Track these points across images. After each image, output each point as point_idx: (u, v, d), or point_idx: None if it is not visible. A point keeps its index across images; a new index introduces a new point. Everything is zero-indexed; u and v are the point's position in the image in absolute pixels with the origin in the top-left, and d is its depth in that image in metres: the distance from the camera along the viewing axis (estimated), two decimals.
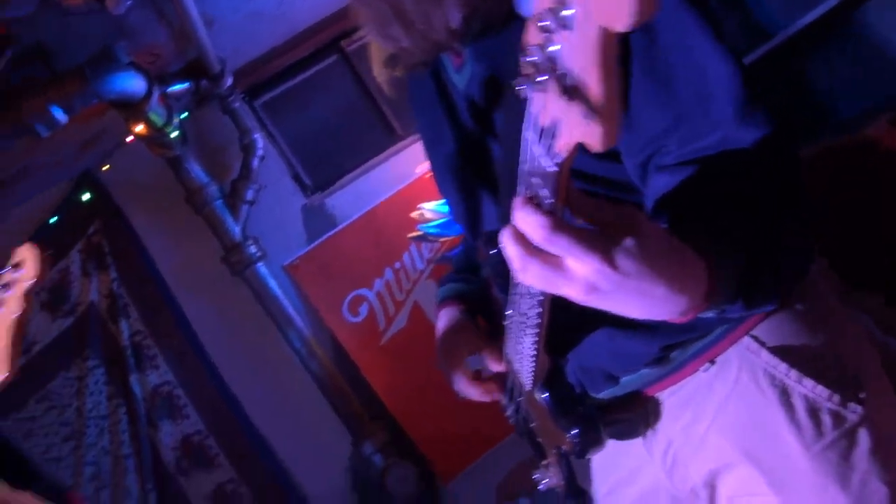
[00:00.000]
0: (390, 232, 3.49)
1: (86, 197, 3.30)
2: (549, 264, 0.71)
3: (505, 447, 3.37)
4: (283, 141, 3.50)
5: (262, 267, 3.41)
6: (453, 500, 3.52)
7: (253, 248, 3.38)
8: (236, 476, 3.39)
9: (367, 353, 3.49)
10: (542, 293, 0.91)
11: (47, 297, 3.30)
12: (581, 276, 0.71)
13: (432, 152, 1.34)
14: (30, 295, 0.95)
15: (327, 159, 3.52)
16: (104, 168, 3.30)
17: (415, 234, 3.41)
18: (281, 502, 3.40)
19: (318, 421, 3.46)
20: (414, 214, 3.39)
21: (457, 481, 3.50)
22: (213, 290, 3.42)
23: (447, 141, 1.22)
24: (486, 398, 1.36)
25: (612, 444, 1.15)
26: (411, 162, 3.48)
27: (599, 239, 0.71)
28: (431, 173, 1.39)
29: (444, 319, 1.38)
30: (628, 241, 0.71)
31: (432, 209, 3.33)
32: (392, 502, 3.40)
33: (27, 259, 0.94)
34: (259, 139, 3.41)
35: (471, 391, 1.33)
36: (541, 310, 0.97)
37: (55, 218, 3.24)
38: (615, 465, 1.23)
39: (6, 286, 0.96)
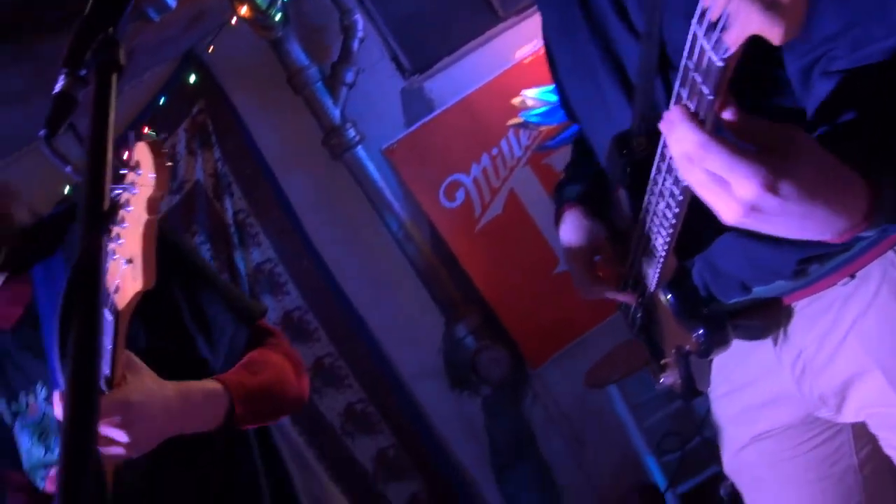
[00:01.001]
0: (489, 117, 3.46)
1: (191, 78, 3.34)
2: (714, 177, 0.71)
3: (594, 336, 3.41)
4: (383, 23, 3.44)
5: (360, 150, 3.43)
6: (541, 384, 3.61)
7: (352, 132, 3.41)
8: (334, 350, 3.53)
9: (462, 239, 3.53)
10: (683, 196, 0.90)
11: None
12: (741, 197, 0.70)
13: (559, 44, 1.31)
14: (155, 203, 0.92)
15: (427, 42, 3.46)
16: (209, 50, 3.33)
17: (515, 120, 3.36)
18: (376, 378, 3.54)
19: (412, 302, 3.55)
20: (515, 101, 3.34)
21: (545, 367, 3.57)
22: (312, 171, 3.48)
23: (580, 34, 1.18)
24: (610, 298, 1.37)
25: (736, 347, 1.15)
26: (512, 46, 3.40)
27: (759, 160, 0.69)
28: (551, 63, 1.36)
29: (568, 222, 1.37)
30: (790, 164, 0.70)
31: (535, 96, 3.27)
32: (482, 384, 3.51)
33: (142, 161, 0.92)
34: (359, 20, 3.37)
35: (596, 291, 1.34)
36: (678, 211, 0.95)
37: (163, 99, 3.30)
38: (737, 368, 1.23)
39: (132, 185, 0.94)
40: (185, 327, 1.41)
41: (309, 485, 1.56)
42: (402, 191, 3.51)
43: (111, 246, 1.04)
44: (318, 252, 3.48)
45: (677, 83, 0.73)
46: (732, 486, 1.46)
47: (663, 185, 0.92)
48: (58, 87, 0.76)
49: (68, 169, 0.71)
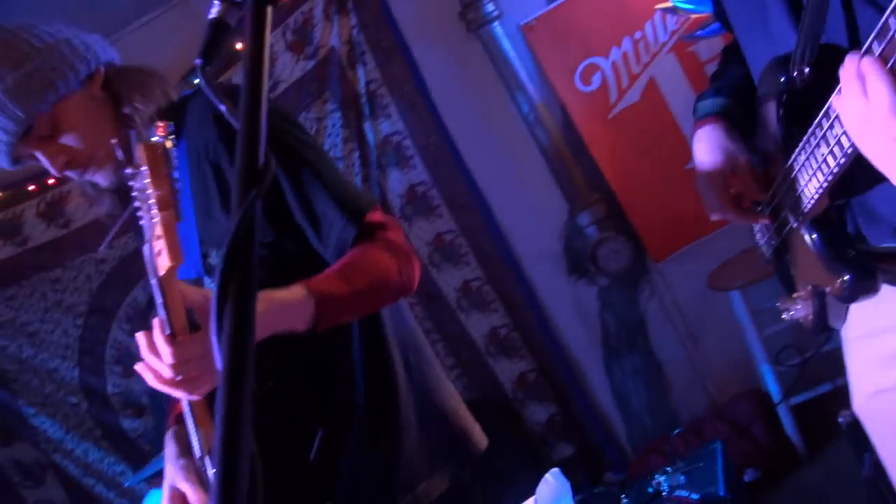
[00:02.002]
0: None
1: None
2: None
3: (721, 237, 3.29)
4: None
5: (497, 26, 3.33)
6: (662, 278, 3.55)
7: (490, 6, 3.30)
8: (455, 227, 3.57)
9: (594, 125, 3.43)
10: (853, 151, 0.82)
11: (292, 37, 3.43)
12: None
13: None
14: (163, 200, 1.06)
15: None
16: None
17: (664, 3, 3.16)
18: (493, 257, 3.57)
19: (537, 185, 3.51)
20: None
21: (668, 262, 3.51)
22: (447, 45, 3.41)
23: None
24: (744, 222, 1.31)
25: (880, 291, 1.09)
26: None
27: None
28: None
29: (705, 139, 1.30)
30: None
31: None
32: (600, 274, 3.48)
33: (143, 161, 1.04)
34: None
35: (729, 213, 1.27)
36: (843, 161, 0.88)
37: None
38: (878, 311, 1.17)
39: (143, 181, 1.06)
40: (297, 222, 1.44)
41: (419, 375, 1.58)
42: (537, 71, 3.41)
43: (149, 215, 1.13)
44: (447, 128, 3.46)
45: (873, 35, 0.65)
46: (853, 418, 1.42)
47: (829, 132, 0.84)
48: (212, 13, 0.76)
49: (223, 107, 0.71)
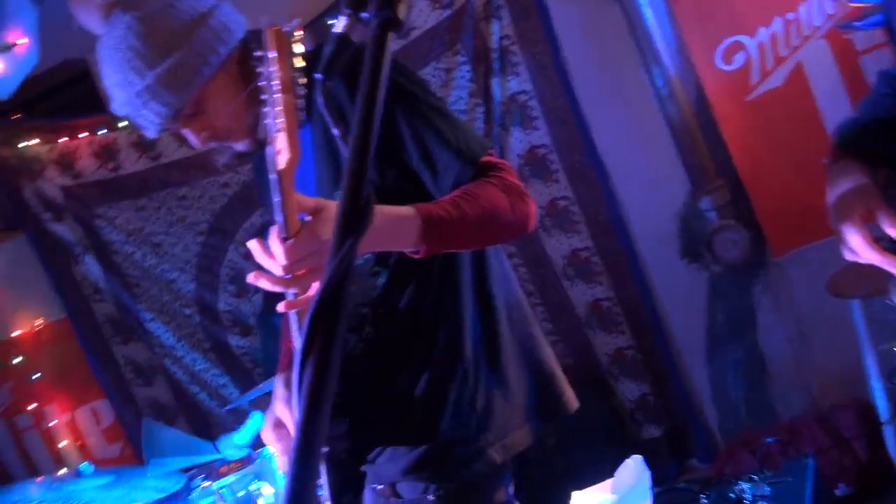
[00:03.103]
0: None
1: None
2: None
3: None
4: None
5: None
6: (780, 273, 3.42)
7: None
8: (571, 194, 3.52)
9: (730, 106, 3.28)
10: None
11: None
12: None
13: None
14: (287, 83, 1.03)
15: None
16: None
17: None
18: (608, 228, 3.51)
19: (661, 162, 3.41)
20: None
21: (788, 257, 3.36)
22: (586, 8, 3.32)
23: None
24: (884, 265, 1.26)
25: None
26: None
27: None
28: None
29: (844, 173, 1.23)
30: None
31: None
32: (714, 261, 3.38)
33: (272, 45, 1.02)
34: None
35: (868, 254, 1.23)
36: None
37: None
38: None
39: (270, 65, 1.04)
40: (414, 166, 1.47)
41: (520, 331, 1.61)
42: (677, 44, 3.27)
43: (273, 111, 1.14)
44: (574, 92, 3.38)
45: None
46: None
47: None
48: (338, 28, 0.76)
49: (336, 131, 0.72)
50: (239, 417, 3.52)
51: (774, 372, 3.52)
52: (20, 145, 3.89)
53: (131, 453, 4.20)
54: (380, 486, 1.55)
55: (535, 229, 3.52)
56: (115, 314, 4.08)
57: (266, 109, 1.19)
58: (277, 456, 1.66)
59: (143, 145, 3.81)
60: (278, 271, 1.22)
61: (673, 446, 3.63)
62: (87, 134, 3.81)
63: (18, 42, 2.95)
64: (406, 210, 1.32)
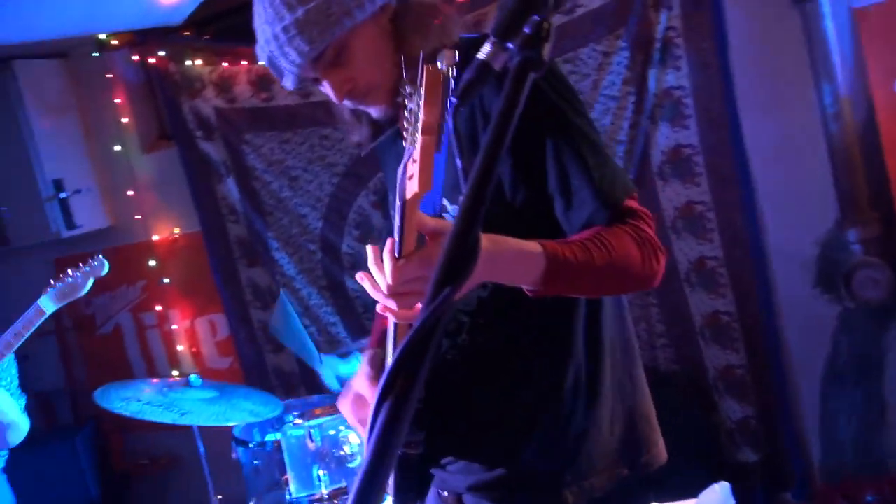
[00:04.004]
0: None
1: None
2: None
3: None
4: None
5: (825, 3, 3.00)
6: None
7: None
8: (709, 200, 3.39)
9: None
10: None
11: None
12: None
13: None
14: (428, 126, 1.00)
15: None
16: None
17: None
18: (742, 241, 3.37)
19: (812, 183, 3.22)
20: None
21: None
22: (763, 11, 3.15)
23: None
24: None
25: None
26: None
27: None
28: None
29: None
30: None
31: None
32: (850, 297, 3.19)
33: (426, 83, 0.99)
34: None
35: None
36: None
37: None
38: None
39: (418, 100, 1.00)
40: (550, 188, 1.40)
41: (623, 371, 1.56)
42: (855, 62, 3.06)
43: (412, 137, 1.11)
44: (734, 97, 3.23)
45: None
46: None
47: None
48: (482, 54, 0.75)
49: (459, 162, 0.71)
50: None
51: (893, 422, 3.32)
52: (186, 63, 4.09)
53: (238, 369, 4.43)
54: (445, 493, 1.55)
55: (666, 231, 3.45)
56: (246, 237, 4.27)
57: (406, 136, 1.16)
58: (352, 425, 1.67)
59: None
60: (384, 287, 1.22)
61: (767, 475, 3.50)
62: (247, 62, 3.96)
63: None
64: (532, 246, 1.27)
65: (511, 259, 1.26)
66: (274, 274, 4.23)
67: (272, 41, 1.43)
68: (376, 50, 1.46)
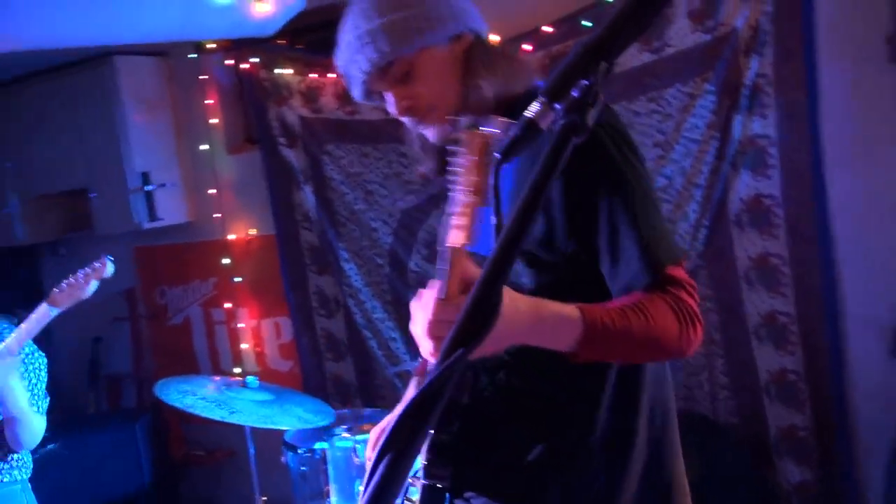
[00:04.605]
0: None
1: None
2: None
3: None
4: None
5: None
6: None
7: None
8: (785, 253, 3.29)
9: None
10: None
11: (698, 5, 3.25)
12: None
13: None
14: (473, 186, 1.00)
15: None
16: None
17: None
18: (817, 299, 3.25)
19: (894, 246, 3.10)
20: None
21: None
22: (859, 66, 3.04)
23: None
24: None
25: None
26: None
27: None
28: None
29: None
30: None
31: None
32: None
33: (469, 147, 0.98)
34: None
35: None
36: None
37: None
38: None
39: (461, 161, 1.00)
40: (597, 241, 1.41)
41: (658, 436, 1.53)
42: None
43: (457, 189, 1.12)
44: (822, 151, 3.13)
45: None
46: None
47: None
48: (530, 113, 0.75)
49: (493, 220, 0.71)
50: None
51: None
52: (276, 71, 4.20)
53: (298, 373, 4.50)
54: None
55: (738, 280, 3.36)
56: (317, 244, 4.35)
57: (452, 185, 1.18)
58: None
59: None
60: (422, 323, 1.23)
61: None
62: (334, 75, 4.03)
63: None
64: (570, 311, 1.28)
65: (550, 324, 1.28)
66: (341, 283, 4.29)
67: (347, 47, 1.51)
68: (443, 75, 1.51)
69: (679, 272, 1.39)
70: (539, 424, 1.50)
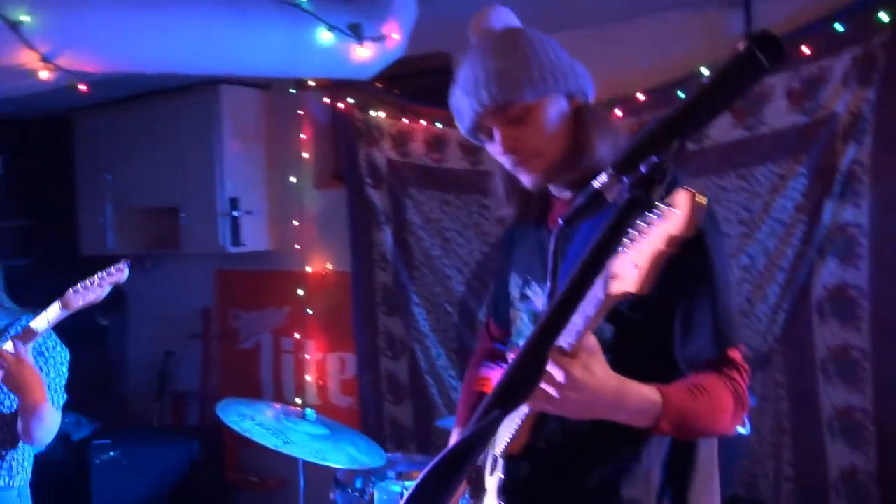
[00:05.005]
0: None
1: (882, 15, 2.94)
2: None
3: None
4: None
5: None
6: None
7: None
8: (867, 347, 3.16)
9: None
10: None
11: (797, 86, 3.20)
12: None
13: None
14: (673, 240, 0.99)
15: None
16: None
17: None
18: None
19: None
20: None
21: None
22: None
23: None
24: None
25: None
26: None
27: None
28: None
29: None
30: None
31: None
32: None
33: (681, 204, 0.95)
34: None
35: None
36: None
37: (840, 25, 3.01)
38: None
39: (665, 212, 0.97)
40: (674, 314, 1.49)
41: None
42: None
43: (632, 234, 1.08)
44: None
45: None
46: None
47: None
48: (598, 183, 0.75)
49: (548, 284, 0.71)
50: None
51: None
52: (370, 112, 4.31)
53: (356, 410, 4.52)
54: None
55: (815, 370, 3.24)
56: (390, 285, 4.39)
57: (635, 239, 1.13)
58: None
59: (469, 148, 4.02)
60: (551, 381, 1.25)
61: None
62: (425, 122, 4.12)
63: (392, 35, 3.25)
64: (654, 394, 1.36)
65: (634, 404, 1.35)
66: (409, 327, 4.31)
67: (467, 81, 1.57)
68: (555, 125, 1.57)
69: (737, 354, 1.48)
70: (597, 470, 1.56)
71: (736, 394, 1.43)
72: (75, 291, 2.36)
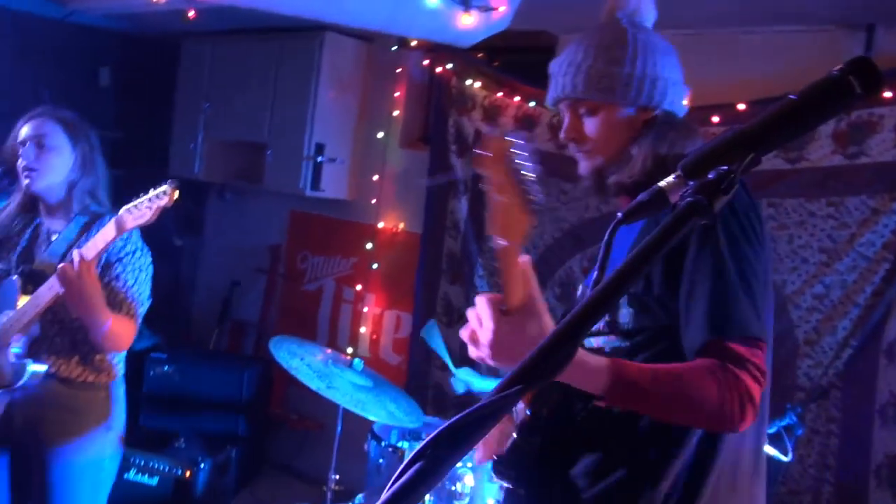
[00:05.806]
0: None
1: None
2: None
3: None
4: None
5: None
6: None
7: None
8: None
9: None
10: None
11: (844, 128, 3.10)
12: None
13: None
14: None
15: None
16: None
17: None
18: None
19: None
20: None
21: None
22: None
23: None
24: None
25: None
26: None
27: None
28: None
29: None
30: None
31: None
32: None
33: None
34: None
35: None
36: None
37: None
38: None
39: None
40: (678, 292, 1.48)
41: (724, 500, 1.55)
42: None
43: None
44: None
45: None
46: None
47: None
48: (663, 182, 0.75)
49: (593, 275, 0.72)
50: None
51: None
52: (466, 81, 4.31)
53: (404, 370, 4.58)
54: None
55: (872, 412, 3.14)
56: (457, 254, 4.42)
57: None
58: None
59: (559, 131, 3.98)
60: (486, 333, 1.36)
61: None
62: (519, 98, 4.10)
63: (499, 7, 3.24)
64: (600, 364, 1.37)
65: (580, 372, 1.35)
66: (469, 297, 4.33)
67: (567, 62, 1.68)
68: (615, 131, 1.66)
69: (745, 351, 1.38)
70: (615, 456, 1.56)
71: (728, 385, 1.35)
72: (128, 212, 2.30)
